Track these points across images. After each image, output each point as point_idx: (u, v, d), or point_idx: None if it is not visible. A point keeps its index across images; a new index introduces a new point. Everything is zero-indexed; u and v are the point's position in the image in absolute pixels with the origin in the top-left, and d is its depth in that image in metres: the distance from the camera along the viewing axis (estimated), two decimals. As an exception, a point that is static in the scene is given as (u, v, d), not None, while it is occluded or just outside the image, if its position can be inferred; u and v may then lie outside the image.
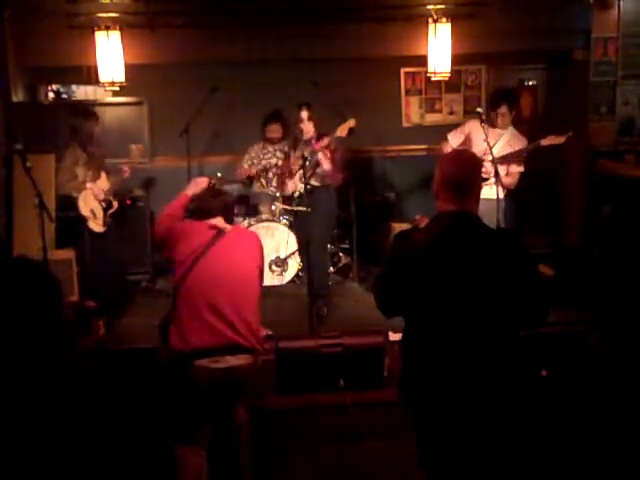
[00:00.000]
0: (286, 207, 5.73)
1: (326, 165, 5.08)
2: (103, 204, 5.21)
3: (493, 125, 5.09)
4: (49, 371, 2.01)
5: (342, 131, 5.01)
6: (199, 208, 3.35)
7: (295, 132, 5.55)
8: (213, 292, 3.13)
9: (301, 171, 4.99)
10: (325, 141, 5.04)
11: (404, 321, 2.51)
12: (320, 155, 5.03)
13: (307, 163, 4.89)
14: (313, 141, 5.18)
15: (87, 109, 5.58)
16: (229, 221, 3.36)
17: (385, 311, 2.56)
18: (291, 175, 5.46)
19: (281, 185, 5.74)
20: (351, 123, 5.03)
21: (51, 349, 2.04)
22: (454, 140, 5.21)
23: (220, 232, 3.24)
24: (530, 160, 5.17)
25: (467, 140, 5.15)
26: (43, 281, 2.08)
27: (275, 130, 6.20)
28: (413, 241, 2.44)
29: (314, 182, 5.17)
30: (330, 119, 6.01)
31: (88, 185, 5.17)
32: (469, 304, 2.36)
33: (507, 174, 5.03)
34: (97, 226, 5.20)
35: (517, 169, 5.09)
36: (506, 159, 5.01)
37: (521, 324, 2.48)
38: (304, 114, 5.28)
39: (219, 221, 3.29)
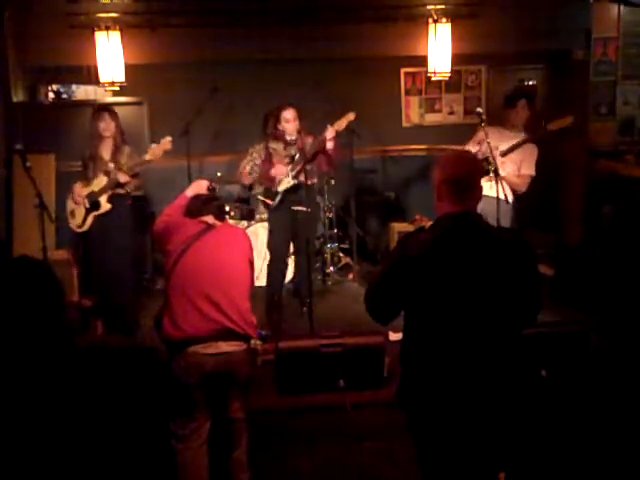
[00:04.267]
0: (268, 202, 5.32)
1: (330, 152, 5.04)
2: (87, 205, 5.02)
3: (509, 123, 4.98)
4: (49, 368, 2.02)
5: (340, 125, 4.98)
6: (191, 208, 3.44)
7: (272, 131, 5.37)
8: (203, 279, 3.18)
9: (289, 167, 5.10)
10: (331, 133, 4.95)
11: (404, 324, 2.51)
12: (329, 144, 4.98)
13: (295, 159, 5.04)
14: (299, 141, 5.08)
15: (97, 106, 5.48)
16: (220, 220, 3.44)
17: (378, 310, 2.53)
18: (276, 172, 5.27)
19: (266, 178, 5.37)
20: (350, 117, 4.99)
21: (52, 347, 2.05)
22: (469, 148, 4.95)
23: (209, 226, 3.34)
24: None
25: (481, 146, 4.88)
26: (45, 280, 2.09)
27: (291, 113, 5.29)
28: (419, 242, 2.43)
29: (301, 179, 5.09)
30: (329, 119, 6.03)
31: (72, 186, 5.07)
32: (477, 305, 2.35)
33: (518, 175, 4.91)
34: (75, 227, 5.10)
35: (528, 171, 4.93)
36: (511, 150, 4.87)
37: (520, 323, 2.49)
38: (290, 114, 5.11)
39: (209, 218, 3.39)
